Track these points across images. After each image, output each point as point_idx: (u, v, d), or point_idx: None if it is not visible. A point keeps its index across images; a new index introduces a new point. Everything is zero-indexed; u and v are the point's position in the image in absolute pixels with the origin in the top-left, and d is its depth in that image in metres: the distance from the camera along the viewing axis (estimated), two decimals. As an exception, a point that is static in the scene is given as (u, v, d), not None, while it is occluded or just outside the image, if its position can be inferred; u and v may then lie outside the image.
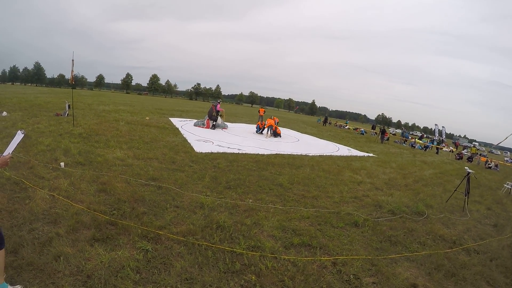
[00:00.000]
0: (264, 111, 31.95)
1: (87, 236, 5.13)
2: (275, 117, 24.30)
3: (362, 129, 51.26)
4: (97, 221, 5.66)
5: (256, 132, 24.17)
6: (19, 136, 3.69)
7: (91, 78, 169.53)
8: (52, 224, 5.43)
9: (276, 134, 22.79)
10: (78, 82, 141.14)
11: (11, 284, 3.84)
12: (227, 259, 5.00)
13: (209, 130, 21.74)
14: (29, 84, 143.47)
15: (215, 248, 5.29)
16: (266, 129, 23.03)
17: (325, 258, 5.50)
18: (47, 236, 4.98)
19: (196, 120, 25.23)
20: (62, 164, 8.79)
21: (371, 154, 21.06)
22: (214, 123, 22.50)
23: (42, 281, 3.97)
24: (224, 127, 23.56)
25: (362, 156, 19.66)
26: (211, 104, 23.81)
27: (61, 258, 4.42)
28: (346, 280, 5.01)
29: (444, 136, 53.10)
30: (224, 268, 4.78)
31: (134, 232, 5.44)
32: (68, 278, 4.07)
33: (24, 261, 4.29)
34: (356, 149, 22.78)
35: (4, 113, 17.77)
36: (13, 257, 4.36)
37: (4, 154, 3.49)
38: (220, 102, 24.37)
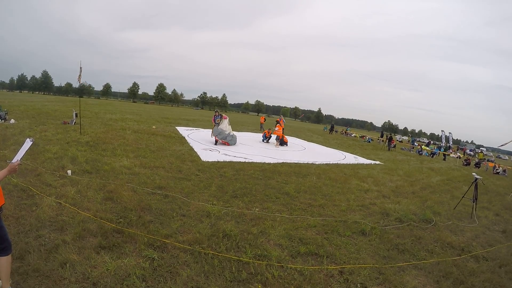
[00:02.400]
0: (265, 119, 32.20)
1: (94, 244, 5.13)
2: (281, 120, 24.50)
3: (369, 137, 51.05)
4: (103, 229, 5.66)
5: (262, 140, 24.07)
6: (27, 143, 3.72)
7: (98, 87, 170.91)
8: (59, 231, 5.44)
9: (282, 142, 22.74)
10: (85, 91, 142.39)
11: None
12: (233, 268, 4.98)
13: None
14: (37, 92, 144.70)
15: (221, 257, 5.26)
16: (275, 138, 22.96)
17: (332, 267, 5.46)
18: (54, 243, 5.00)
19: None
20: (69, 172, 8.84)
21: (378, 162, 20.95)
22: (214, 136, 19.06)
23: (47, 287, 3.97)
24: (221, 137, 18.90)
25: (369, 164, 19.57)
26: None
27: (67, 265, 4.42)
28: (353, 289, 4.98)
29: (451, 142, 52.61)
30: (231, 277, 4.75)
31: (140, 241, 5.43)
32: (73, 285, 4.07)
33: (30, 267, 4.30)
34: (363, 157, 22.69)
35: (12, 121, 17.95)
36: (19, 263, 4.38)
37: (13, 161, 3.52)
38: (217, 112, 20.09)
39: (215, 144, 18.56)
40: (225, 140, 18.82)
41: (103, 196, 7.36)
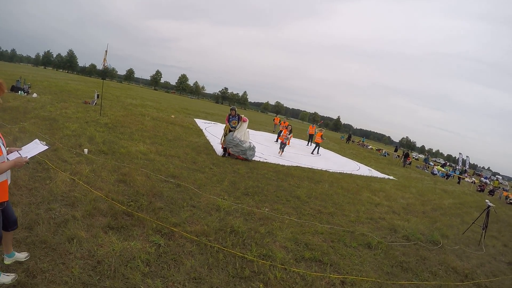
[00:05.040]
0: (280, 120, 31.75)
1: (103, 223, 5.19)
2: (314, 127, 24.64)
3: (385, 151, 50.53)
4: (113, 210, 5.72)
5: (276, 141, 23.97)
6: (43, 147, 3.70)
7: (122, 71, 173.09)
8: (70, 207, 5.51)
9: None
10: (108, 74, 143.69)
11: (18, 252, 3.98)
12: (237, 264, 4.97)
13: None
14: (61, 70, 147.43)
15: (226, 252, 5.27)
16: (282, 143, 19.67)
17: (335, 276, 5.40)
18: (64, 217, 5.07)
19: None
20: (85, 150, 8.94)
21: (391, 177, 20.77)
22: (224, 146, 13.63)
23: (53, 260, 4.02)
24: (238, 151, 13.32)
25: (382, 178, 19.41)
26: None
27: (75, 240, 4.48)
28: (353, 301, 4.93)
29: (467, 166, 51.41)
30: (233, 272, 4.74)
31: (149, 226, 5.48)
32: (78, 260, 4.11)
33: (37, 238, 4.37)
34: (377, 170, 22.53)
35: (35, 95, 18.26)
36: (28, 233, 4.46)
37: (22, 155, 3.45)
38: (233, 111, 13.78)
39: (223, 155, 13.42)
40: (244, 156, 13.38)
41: (116, 178, 7.44)
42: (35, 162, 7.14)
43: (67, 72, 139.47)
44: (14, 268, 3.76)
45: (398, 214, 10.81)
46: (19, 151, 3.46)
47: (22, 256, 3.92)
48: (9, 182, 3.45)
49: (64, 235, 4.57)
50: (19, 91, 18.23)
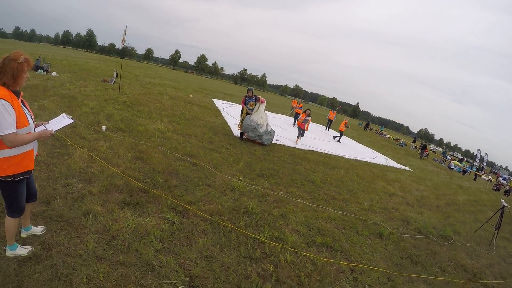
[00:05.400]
0: (297, 103, 31.10)
1: (118, 199, 5.27)
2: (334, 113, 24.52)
3: (402, 141, 49.93)
4: (129, 186, 5.80)
5: (293, 124, 23.98)
6: (68, 120, 3.72)
7: (141, 51, 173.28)
8: (87, 182, 5.60)
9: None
10: (127, 53, 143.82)
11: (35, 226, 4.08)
12: (249, 245, 5.02)
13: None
14: (80, 49, 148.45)
15: (239, 232, 5.31)
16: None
17: (344, 263, 5.41)
18: (80, 192, 5.16)
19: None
20: (103, 127, 9.03)
21: (407, 168, 20.52)
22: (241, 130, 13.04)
23: (68, 233, 4.11)
24: (254, 136, 12.70)
25: (398, 168, 19.20)
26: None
27: (90, 215, 4.57)
28: (360, 289, 4.93)
29: (485, 163, 50.21)
30: (245, 253, 4.79)
31: (164, 203, 5.55)
32: (93, 235, 4.19)
33: (54, 212, 4.47)
34: (394, 160, 22.27)
35: (54, 73, 18.38)
36: (45, 207, 4.55)
37: (48, 128, 3.47)
38: (251, 92, 12.99)
39: (241, 139, 12.91)
40: (260, 141, 12.78)
41: (133, 155, 7.53)
42: (54, 138, 7.25)
43: (86, 51, 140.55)
44: (30, 241, 3.85)
45: (411, 206, 10.70)
46: (45, 125, 3.51)
47: (38, 229, 4.01)
48: (35, 152, 3.50)
49: (80, 209, 4.66)
50: (39, 70, 18.30)
